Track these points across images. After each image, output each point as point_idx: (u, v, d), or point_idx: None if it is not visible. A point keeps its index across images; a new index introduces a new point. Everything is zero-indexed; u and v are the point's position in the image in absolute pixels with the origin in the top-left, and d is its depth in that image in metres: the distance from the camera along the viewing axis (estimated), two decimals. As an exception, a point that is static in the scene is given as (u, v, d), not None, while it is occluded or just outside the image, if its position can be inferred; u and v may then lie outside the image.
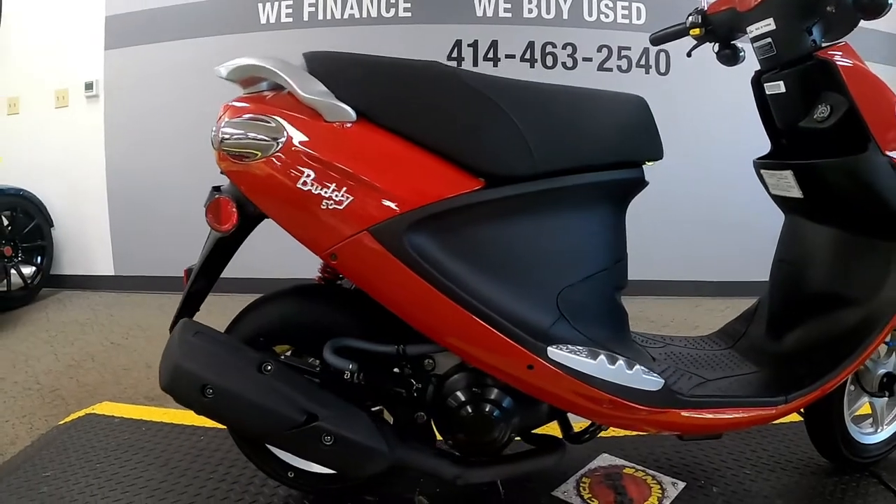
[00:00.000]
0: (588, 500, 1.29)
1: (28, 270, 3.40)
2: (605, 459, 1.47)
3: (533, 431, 1.22)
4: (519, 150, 1.03)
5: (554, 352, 1.04)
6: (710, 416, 1.17)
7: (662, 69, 3.34)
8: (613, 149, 1.11)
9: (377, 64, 1.04)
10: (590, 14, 3.32)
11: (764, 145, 1.42)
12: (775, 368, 1.34)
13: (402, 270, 0.98)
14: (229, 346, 1.06)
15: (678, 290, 3.43)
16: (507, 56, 3.31)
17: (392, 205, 0.98)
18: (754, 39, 1.29)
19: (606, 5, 3.32)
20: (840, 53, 1.22)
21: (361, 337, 1.10)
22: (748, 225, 3.33)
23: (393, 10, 3.25)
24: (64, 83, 3.53)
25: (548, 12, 3.32)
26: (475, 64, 3.28)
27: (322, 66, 1.03)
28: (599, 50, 3.30)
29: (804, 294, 1.41)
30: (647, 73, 3.34)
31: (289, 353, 1.19)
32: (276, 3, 3.31)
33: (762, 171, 1.42)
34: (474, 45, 3.30)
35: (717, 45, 1.50)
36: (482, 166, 1.02)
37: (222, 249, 1.12)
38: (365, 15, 3.25)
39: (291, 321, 1.15)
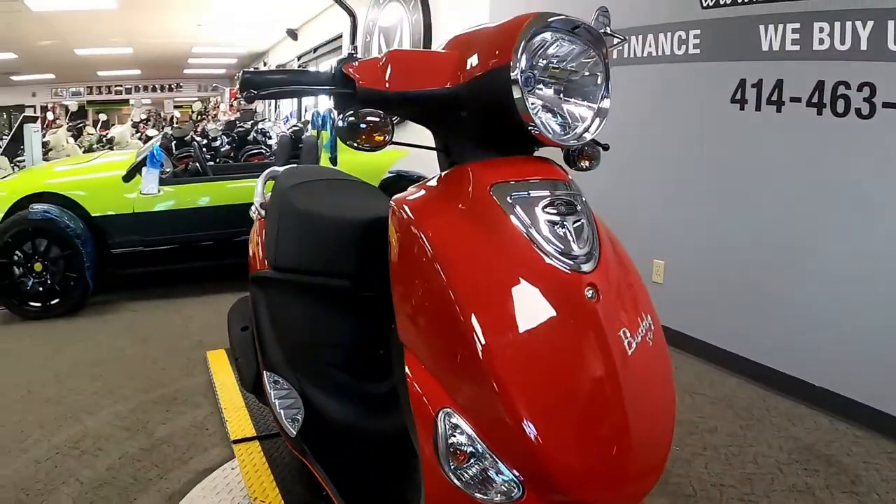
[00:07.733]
0: None
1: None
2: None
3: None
4: None
5: None
6: None
7: None
8: None
9: None
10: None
11: None
12: None
13: None
14: None
15: None
16: (793, 99, 3.08)
17: None
18: None
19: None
20: None
21: None
22: None
23: (684, 48, 3.23)
24: None
25: (842, 42, 2.77)
26: (757, 108, 3.12)
27: None
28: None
29: None
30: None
31: None
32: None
33: None
34: (758, 84, 3.15)
35: None
36: None
37: None
38: (660, 53, 3.27)
39: None
